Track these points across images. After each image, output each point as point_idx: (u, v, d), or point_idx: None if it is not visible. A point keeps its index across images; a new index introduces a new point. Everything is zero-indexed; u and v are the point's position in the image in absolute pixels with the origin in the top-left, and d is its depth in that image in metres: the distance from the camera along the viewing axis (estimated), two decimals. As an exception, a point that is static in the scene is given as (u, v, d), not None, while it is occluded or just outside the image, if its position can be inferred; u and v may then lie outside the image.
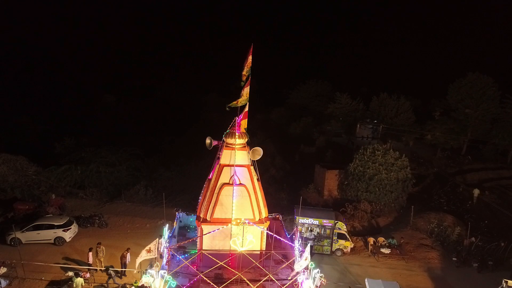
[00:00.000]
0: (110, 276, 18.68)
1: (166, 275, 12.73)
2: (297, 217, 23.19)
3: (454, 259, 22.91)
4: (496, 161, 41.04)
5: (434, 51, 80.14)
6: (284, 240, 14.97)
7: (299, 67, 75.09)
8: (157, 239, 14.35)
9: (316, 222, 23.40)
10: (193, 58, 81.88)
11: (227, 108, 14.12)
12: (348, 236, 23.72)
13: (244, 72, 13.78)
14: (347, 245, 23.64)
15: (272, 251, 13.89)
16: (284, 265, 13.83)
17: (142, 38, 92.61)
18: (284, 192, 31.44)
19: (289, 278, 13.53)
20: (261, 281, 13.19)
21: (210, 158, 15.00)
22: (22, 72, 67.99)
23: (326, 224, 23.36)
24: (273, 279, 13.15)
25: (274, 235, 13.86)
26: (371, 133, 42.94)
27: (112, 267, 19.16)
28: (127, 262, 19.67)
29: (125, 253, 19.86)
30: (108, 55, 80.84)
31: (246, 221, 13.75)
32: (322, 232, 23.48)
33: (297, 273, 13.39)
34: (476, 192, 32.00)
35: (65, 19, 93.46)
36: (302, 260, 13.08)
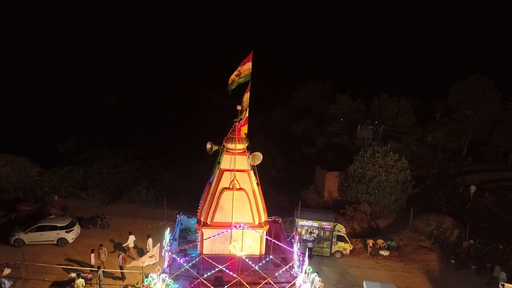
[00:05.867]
0: (99, 278, 18.93)
1: (167, 278, 12.97)
2: (296, 219, 23.41)
3: (452, 261, 23.13)
4: (497, 162, 41.15)
5: (436, 52, 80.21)
6: (283, 245, 15.16)
7: (300, 67, 75.13)
8: (158, 244, 14.56)
9: (315, 224, 23.60)
10: (195, 58, 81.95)
11: (235, 121, 14.30)
12: (347, 238, 23.94)
13: (233, 77, 13.90)
14: (346, 247, 23.85)
15: (271, 256, 14.10)
16: (283, 269, 14.04)
17: (144, 37, 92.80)
18: (284, 194, 31.64)
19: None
20: (261, 285, 13.42)
21: (210, 159, 15.25)
22: (24, 72, 68.23)
23: (325, 226, 23.56)
24: (271, 282, 13.36)
25: (273, 240, 14.07)
26: (371, 134, 43.08)
27: (99, 268, 19.46)
28: (119, 264, 19.97)
29: (118, 257, 20.16)
30: (110, 55, 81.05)
31: (245, 226, 13.97)
32: (322, 234, 23.68)
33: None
34: (473, 188, 32.39)
35: (68, 19, 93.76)
36: (302, 265, 13.29)
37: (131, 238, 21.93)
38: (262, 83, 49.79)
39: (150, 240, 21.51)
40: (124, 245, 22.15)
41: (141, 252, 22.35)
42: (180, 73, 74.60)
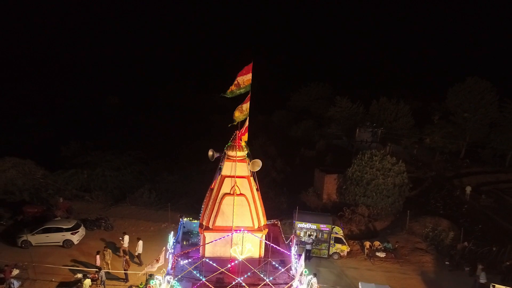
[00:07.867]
0: (101, 279, 19.57)
1: (172, 280, 13.63)
2: (295, 222, 24.04)
3: (447, 263, 23.72)
4: (495, 164, 41.68)
5: (434, 55, 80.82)
6: (281, 248, 15.80)
7: (300, 69, 75.72)
8: (164, 248, 15.20)
9: (314, 227, 24.23)
10: (198, 60, 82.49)
11: (233, 123, 14.92)
12: (344, 240, 24.57)
13: (232, 87, 14.49)
14: (344, 249, 24.47)
15: (270, 259, 14.74)
16: (281, 271, 14.68)
17: (146, 39, 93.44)
18: (284, 196, 32.20)
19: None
20: (260, 286, 14.06)
21: (211, 162, 15.85)
22: (27, 75, 68.83)
23: (323, 229, 24.18)
24: (270, 284, 14.00)
25: (272, 244, 14.70)
26: (370, 137, 43.67)
27: (101, 269, 20.11)
28: (123, 267, 20.61)
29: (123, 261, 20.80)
30: (112, 57, 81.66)
31: (245, 231, 14.62)
32: (320, 236, 24.30)
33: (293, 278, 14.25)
34: (469, 189, 33.00)
35: (70, 21, 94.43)
36: (298, 267, 13.92)
37: (127, 238, 22.46)
38: (262, 85, 50.43)
39: (140, 242, 22.16)
40: (122, 242, 22.63)
41: (130, 254, 22.84)
42: (182, 75, 75.11)
